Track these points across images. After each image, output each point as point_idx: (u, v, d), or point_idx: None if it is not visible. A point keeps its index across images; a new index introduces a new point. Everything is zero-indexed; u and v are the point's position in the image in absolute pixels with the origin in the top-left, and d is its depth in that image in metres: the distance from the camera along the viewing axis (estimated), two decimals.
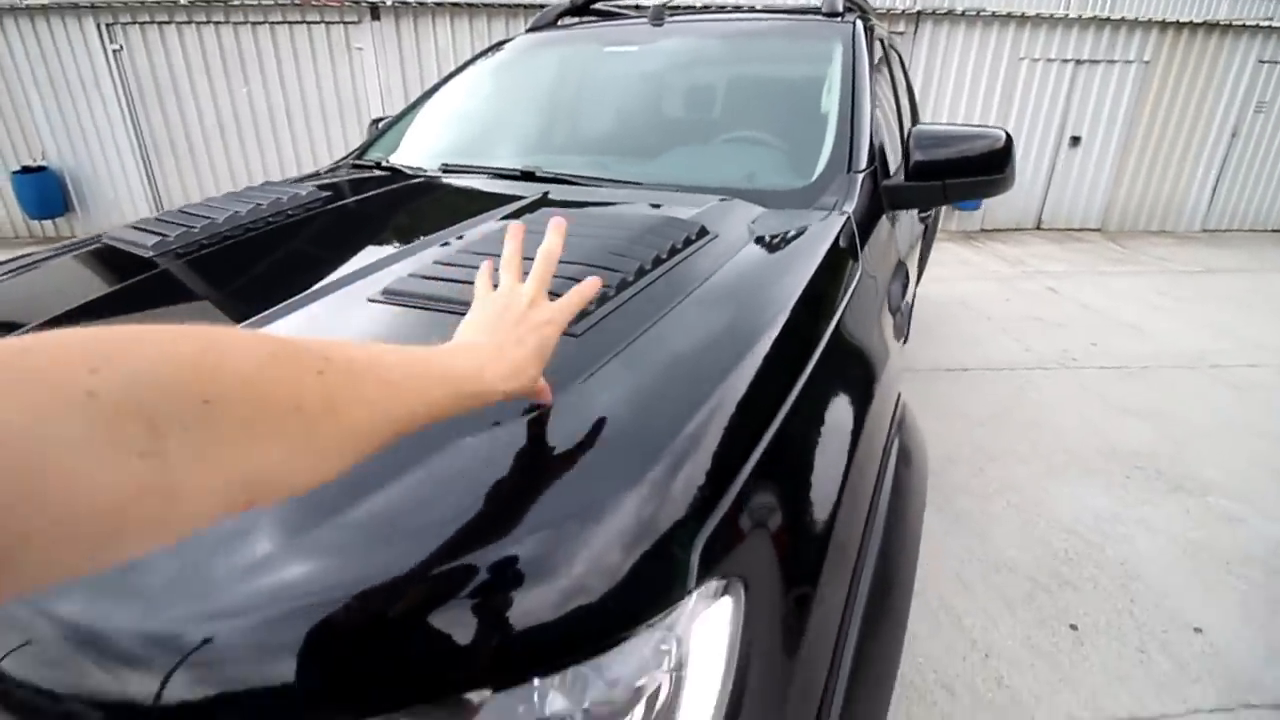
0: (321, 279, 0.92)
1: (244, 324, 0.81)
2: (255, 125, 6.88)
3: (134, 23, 6.54)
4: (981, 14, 6.96)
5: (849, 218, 1.19)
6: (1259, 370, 3.81)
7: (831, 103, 1.49)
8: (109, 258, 1.08)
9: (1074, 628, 1.92)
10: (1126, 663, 1.79)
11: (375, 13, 6.46)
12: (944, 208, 7.55)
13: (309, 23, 6.55)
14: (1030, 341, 4.21)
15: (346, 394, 0.36)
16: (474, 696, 0.47)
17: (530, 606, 0.48)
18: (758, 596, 0.60)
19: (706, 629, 0.55)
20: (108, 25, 6.54)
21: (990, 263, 6.37)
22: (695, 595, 0.55)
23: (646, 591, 0.52)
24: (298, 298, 0.85)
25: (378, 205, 1.33)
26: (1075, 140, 7.57)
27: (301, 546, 0.50)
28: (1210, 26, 7.21)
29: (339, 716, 0.45)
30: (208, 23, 6.54)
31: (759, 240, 1.05)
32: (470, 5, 6.48)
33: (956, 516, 2.42)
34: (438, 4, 6.45)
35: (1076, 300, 5.14)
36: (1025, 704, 1.66)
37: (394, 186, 1.43)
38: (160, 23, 6.54)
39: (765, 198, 1.28)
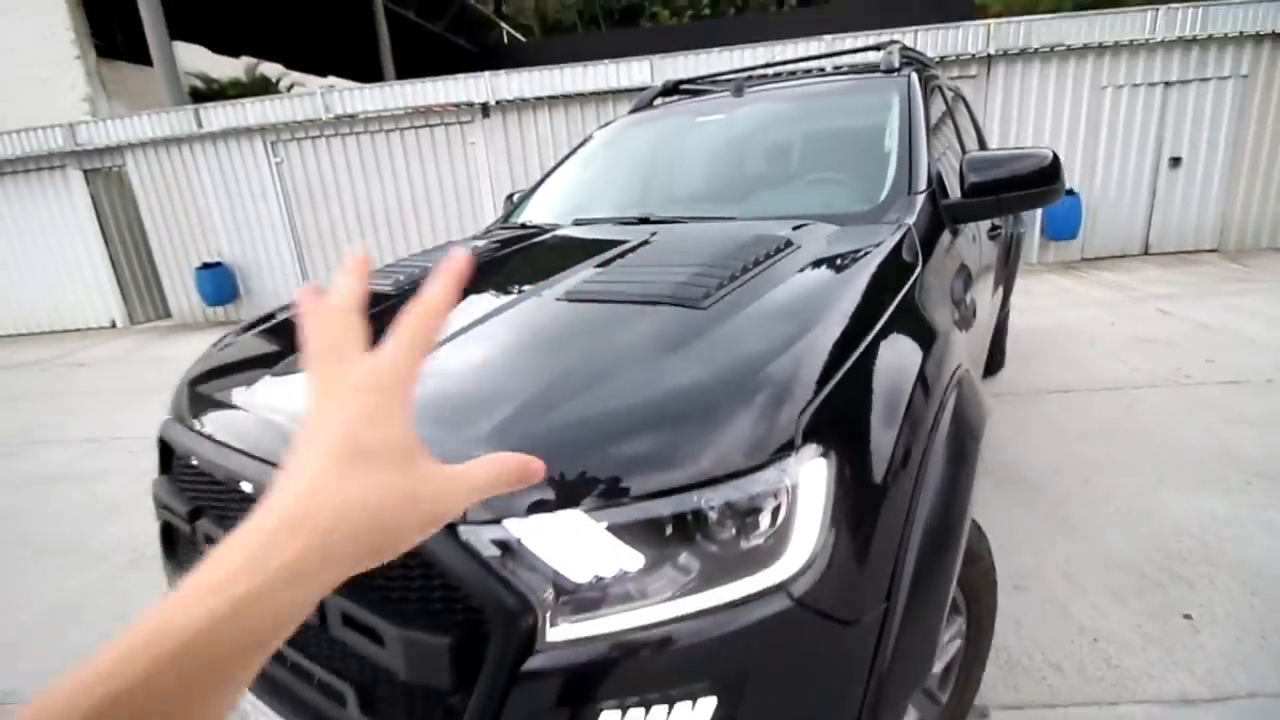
0: (517, 292, 1.30)
1: (471, 323, 1.19)
2: (387, 217, 7.95)
3: (292, 139, 7.85)
4: (1056, 49, 7.03)
5: (909, 228, 1.46)
6: None
7: (892, 141, 1.79)
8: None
9: (1188, 617, 1.94)
10: (1241, 645, 1.81)
11: (486, 111, 7.43)
12: (1037, 238, 7.44)
13: (430, 126, 7.61)
14: (1138, 362, 4.11)
15: None
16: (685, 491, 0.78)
17: (708, 436, 0.79)
18: (843, 464, 0.87)
19: (809, 476, 0.84)
20: (272, 143, 7.88)
21: (1093, 290, 6.20)
22: (802, 451, 0.83)
23: (770, 441, 0.81)
24: (504, 302, 1.23)
25: (538, 248, 1.75)
26: (1176, 161, 7.31)
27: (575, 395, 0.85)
28: None
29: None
30: (350, 134, 7.74)
31: (835, 244, 1.35)
32: (565, 97, 7.32)
33: (1062, 524, 2.47)
34: (538, 99, 7.34)
35: (1190, 320, 4.93)
36: (1135, 679, 1.72)
37: (544, 237, 1.86)
38: (313, 137, 7.81)
39: (840, 219, 1.58)
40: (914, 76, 2.04)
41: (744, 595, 0.79)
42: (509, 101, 7.42)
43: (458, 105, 7.45)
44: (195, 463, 1.11)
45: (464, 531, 0.78)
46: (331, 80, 21.29)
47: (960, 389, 1.19)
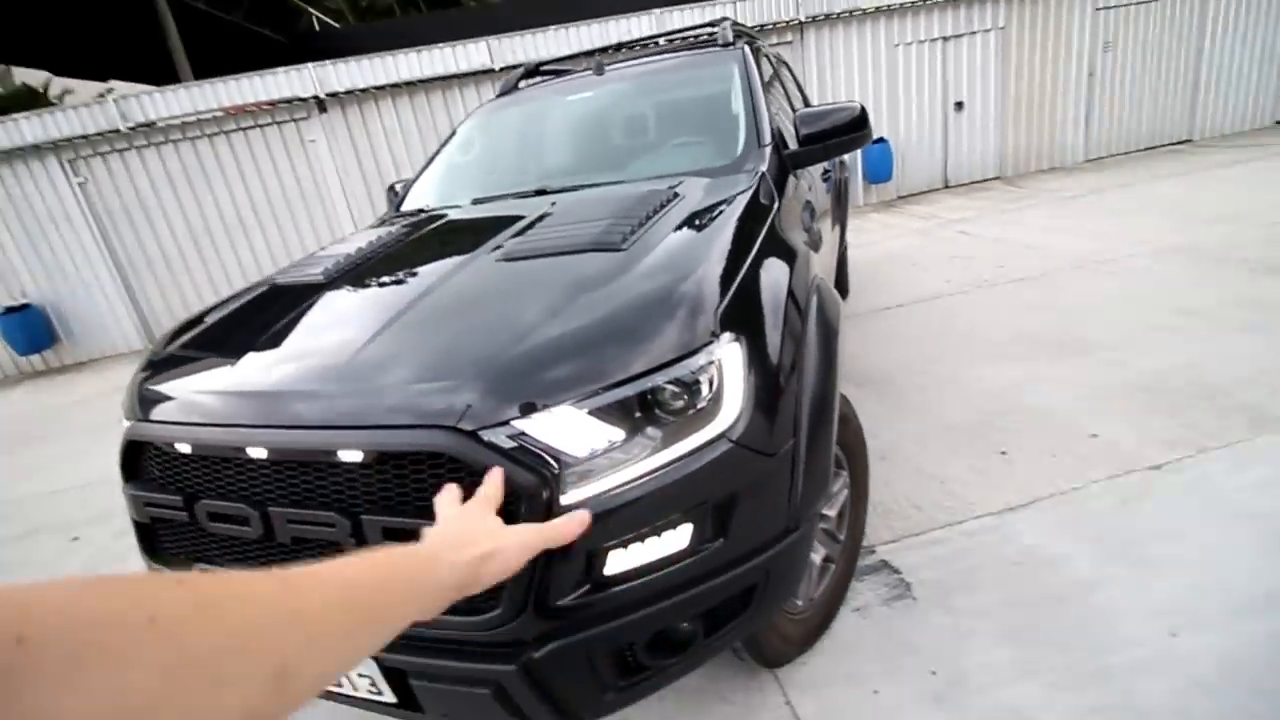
0: (451, 261, 1.49)
1: (406, 299, 1.37)
2: (226, 229, 7.34)
3: (95, 155, 6.99)
4: (854, 13, 7.92)
5: (764, 174, 1.81)
6: (1136, 259, 4.59)
7: (739, 105, 2.14)
8: (295, 288, 1.62)
9: (1003, 453, 2.54)
10: (1042, 464, 2.41)
11: (323, 106, 7.06)
12: (861, 183, 8.40)
13: (261, 126, 7.10)
14: (950, 275, 4.93)
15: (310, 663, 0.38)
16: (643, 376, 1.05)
17: (653, 335, 1.06)
18: (751, 348, 1.18)
19: (729, 355, 1.14)
20: (70, 161, 6.98)
21: (909, 221, 7.18)
22: (721, 338, 1.13)
23: (697, 331, 1.10)
24: (451, 267, 1.42)
25: (450, 227, 1.91)
26: (959, 105, 8.54)
27: (539, 329, 1.08)
28: None
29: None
30: (166, 143, 7.03)
31: (710, 193, 1.67)
32: (408, 85, 7.13)
33: (910, 406, 3.03)
34: (378, 88, 7.09)
35: (984, 237, 5.93)
36: (973, 503, 2.26)
37: (451, 217, 2.02)
38: (120, 150, 7.01)
39: (709, 173, 1.91)
40: (746, 49, 2.41)
41: (698, 445, 1.08)
42: (346, 94, 7.10)
43: (289, 102, 7.00)
44: (185, 450, 1.21)
45: (484, 434, 1.00)
46: (114, 84, 18.65)
47: (820, 291, 1.55)
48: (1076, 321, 3.65)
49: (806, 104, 3.64)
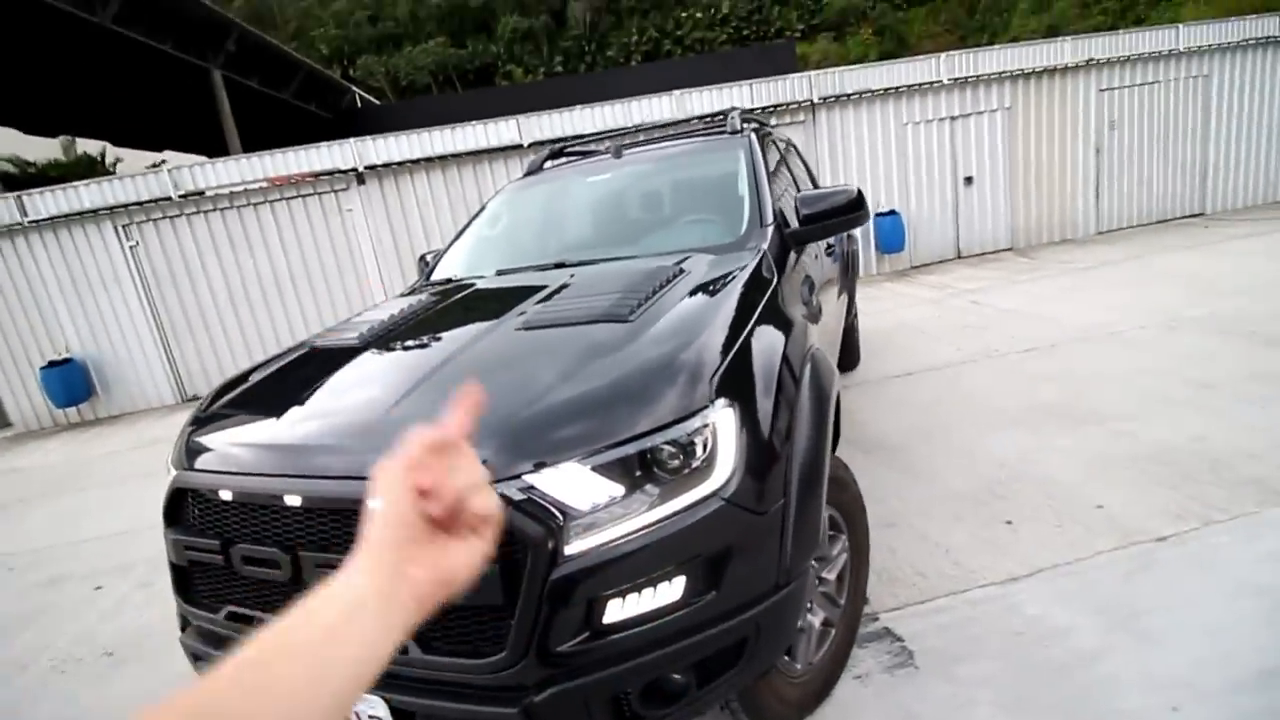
0: (475, 328, 1.64)
1: (433, 363, 1.50)
2: (263, 292, 7.71)
3: (148, 220, 7.48)
4: (864, 94, 8.34)
5: (765, 252, 1.96)
6: (1146, 330, 4.64)
7: (744, 188, 2.32)
8: (333, 351, 1.77)
9: (1009, 523, 2.56)
10: (1047, 534, 2.43)
11: (360, 178, 7.53)
12: (874, 254, 8.61)
13: (303, 196, 7.57)
14: (960, 344, 5.01)
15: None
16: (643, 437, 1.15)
17: (653, 400, 1.17)
18: (744, 413, 1.29)
19: (723, 419, 1.24)
20: (124, 226, 7.46)
21: (921, 291, 7.32)
22: (716, 403, 1.24)
23: (694, 397, 1.22)
24: (475, 334, 1.56)
25: (476, 295, 2.08)
26: (969, 180, 8.83)
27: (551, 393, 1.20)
28: (1052, 71, 8.71)
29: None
30: (215, 210, 7.51)
31: (714, 269, 1.82)
32: (441, 159, 7.60)
33: (918, 473, 3.07)
34: (413, 162, 7.56)
35: (996, 307, 6.03)
36: (977, 572, 2.28)
37: (477, 287, 2.19)
38: (171, 217, 7.49)
39: (714, 250, 2.06)
40: (753, 135, 2.62)
41: (692, 502, 1.17)
42: (384, 166, 7.57)
43: (330, 174, 7.49)
44: (227, 496, 1.33)
45: (498, 487, 1.11)
46: (167, 155, 19.97)
47: (814, 359, 1.66)
48: (1085, 392, 3.69)
49: (813, 183, 3.85)
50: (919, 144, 8.60)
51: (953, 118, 8.62)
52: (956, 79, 8.49)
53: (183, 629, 1.53)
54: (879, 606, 2.17)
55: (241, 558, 1.31)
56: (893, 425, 3.65)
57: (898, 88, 8.41)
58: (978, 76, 8.54)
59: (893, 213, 8.52)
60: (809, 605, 1.72)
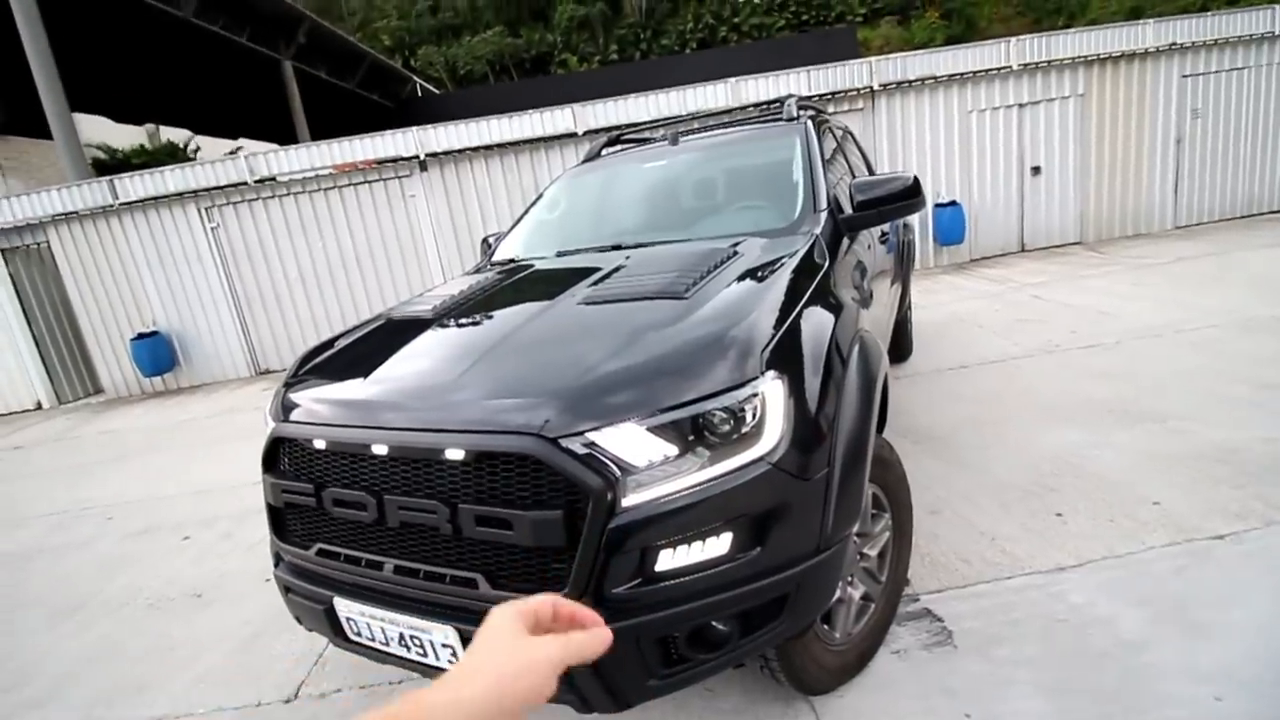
0: (539, 303, 1.75)
1: (501, 333, 1.62)
2: (331, 273, 8.12)
3: (228, 204, 7.96)
4: (928, 80, 8.12)
5: (818, 237, 2.01)
6: (1215, 330, 4.44)
7: (799, 174, 2.37)
8: (410, 321, 1.92)
9: (1059, 515, 2.54)
10: (1098, 527, 2.40)
11: (424, 165, 7.81)
12: (932, 245, 8.41)
13: (370, 182, 7.91)
14: (1018, 338, 4.90)
15: None
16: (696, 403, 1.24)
17: (707, 369, 1.26)
18: (793, 386, 1.36)
19: (772, 389, 1.32)
20: (206, 208, 7.96)
21: (980, 284, 7.13)
22: (766, 375, 1.32)
23: (745, 368, 1.30)
24: (540, 309, 1.68)
25: (537, 275, 2.20)
26: (1036, 170, 8.50)
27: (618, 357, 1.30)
28: (1131, 56, 8.28)
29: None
30: (289, 195, 7.93)
31: (767, 252, 1.88)
32: (499, 146, 7.81)
33: (967, 464, 3.06)
34: (473, 149, 7.80)
35: (1058, 301, 5.84)
36: (1022, 560, 2.28)
37: (538, 266, 2.32)
38: (249, 200, 7.95)
39: (767, 234, 2.12)
40: (809, 122, 2.65)
41: (740, 464, 1.26)
42: (444, 154, 7.83)
43: (394, 161, 7.80)
44: (320, 445, 1.48)
45: (564, 442, 1.22)
46: (242, 142, 21.00)
47: (863, 342, 1.72)
48: (1147, 390, 3.58)
49: (870, 171, 3.83)
50: (984, 132, 8.33)
51: (1021, 105, 8.31)
52: (1027, 64, 8.17)
53: (276, 564, 1.71)
54: (920, 588, 2.20)
55: (333, 500, 1.47)
56: (943, 417, 3.63)
57: (963, 74, 8.16)
58: (1050, 62, 8.19)
59: (953, 203, 8.30)
60: (850, 579, 1.78)
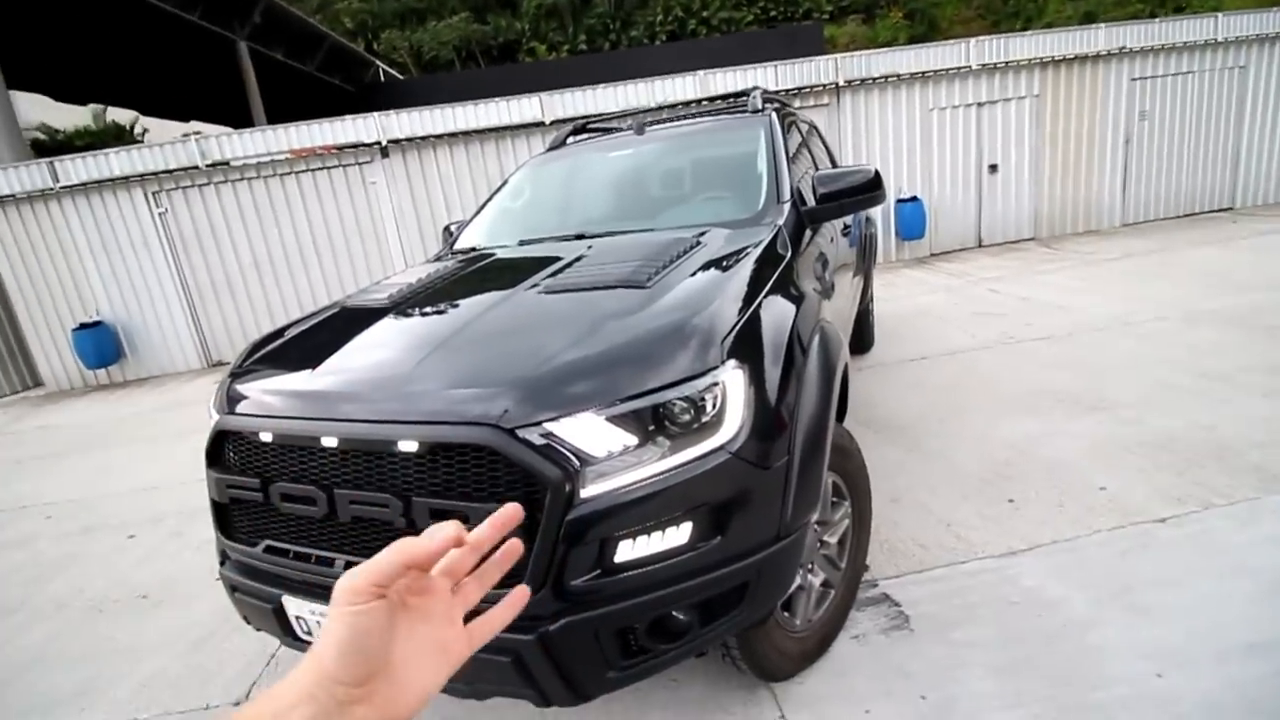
0: (499, 292, 1.71)
1: (459, 322, 1.58)
2: (287, 261, 7.86)
3: (177, 188, 7.63)
4: (890, 78, 8.24)
5: (780, 228, 2.02)
6: (1163, 322, 4.62)
7: (763, 165, 2.37)
8: (365, 310, 1.86)
9: (1011, 501, 2.61)
10: (1048, 513, 2.48)
11: (385, 151, 7.61)
12: (894, 240, 8.56)
13: (329, 168, 7.68)
14: (976, 330, 5.02)
15: None
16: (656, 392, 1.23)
17: (668, 359, 1.25)
18: (753, 375, 1.36)
19: (732, 378, 1.31)
20: (154, 193, 7.62)
21: (940, 278, 7.29)
22: (727, 364, 1.31)
23: (706, 358, 1.29)
24: (499, 298, 1.64)
25: (498, 264, 2.15)
26: (993, 168, 8.72)
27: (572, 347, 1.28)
28: (1083, 59, 8.54)
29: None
30: (242, 180, 7.64)
31: (730, 242, 1.87)
32: (464, 134, 7.66)
33: (926, 453, 3.12)
34: (436, 136, 7.63)
35: (1014, 295, 6.01)
36: (977, 545, 2.34)
37: (500, 255, 2.27)
38: (199, 185, 7.64)
39: (732, 225, 2.12)
40: (773, 115, 2.65)
41: (700, 454, 1.25)
42: (407, 140, 7.64)
43: (354, 146, 7.58)
44: (267, 438, 1.43)
45: (521, 433, 1.19)
46: (195, 125, 20.20)
47: (823, 332, 1.72)
48: (1097, 380, 3.70)
49: (834, 165, 3.86)
50: (944, 130, 8.50)
51: (980, 104, 8.50)
52: (986, 65, 8.36)
53: (221, 563, 1.65)
54: (879, 574, 2.24)
55: (280, 495, 1.41)
56: (904, 407, 3.70)
57: (925, 73, 8.30)
58: (1007, 63, 8.39)
59: (914, 199, 8.45)
60: (810, 566, 1.79)
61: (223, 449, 1.56)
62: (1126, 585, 2.02)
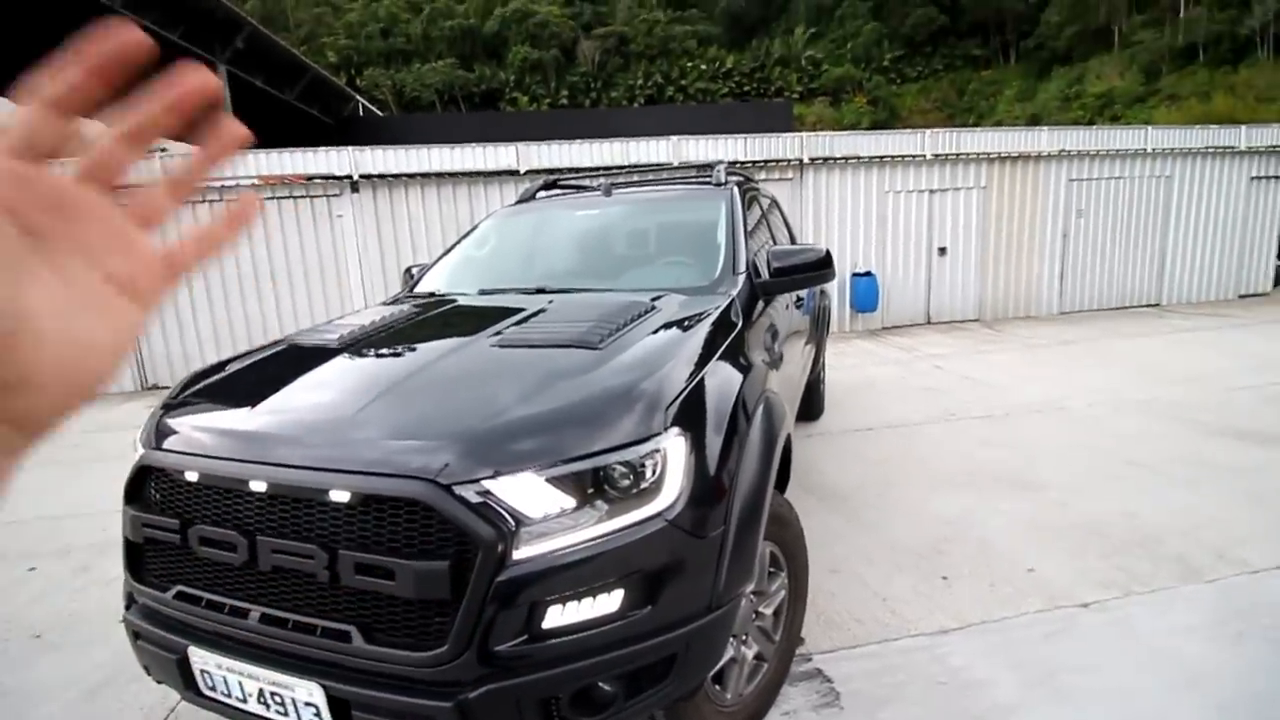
0: (453, 340, 1.72)
1: (408, 370, 1.58)
2: (241, 288, 7.66)
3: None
4: (851, 159, 8.73)
5: (734, 298, 2.09)
6: (1095, 407, 4.87)
7: (721, 236, 2.46)
8: (312, 350, 1.83)
9: (945, 578, 2.66)
10: (980, 591, 2.53)
11: (355, 186, 7.61)
12: (848, 312, 8.88)
13: (295, 197, 7.62)
14: (919, 405, 5.20)
15: None
16: (598, 455, 1.24)
17: (612, 422, 1.26)
18: (695, 443, 1.38)
19: (674, 446, 1.34)
20: None
21: (890, 351, 7.57)
22: (669, 431, 1.33)
23: (650, 423, 1.31)
24: (450, 346, 1.64)
25: (456, 311, 2.16)
26: (943, 250, 9.22)
27: (511, 408, 1.28)
28: (1027, 157, 9.22)
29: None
30: (202, 201, 7.50)
31: (685, 308, 1.93)
32: (438, 175, 7.73)
33: (864, 524, 3.17)
34: (409, 175, 7.68)
35: (957, 373, 6.26)
36: (910, 621, 2.37)
37: (458, 303, 2.28)
38: None
39: (687, 291, 2.18)
40: (735, 189, 2.78)
41: (637, 520, 1.25)
42: (379, 177, 7.67)
43: (324, 178, 7.56)
44: (193, 478, 1.37)
45: (457, 489, 1.18)
46: (163, 142, 19.86)
47: (768, 402, 1.77)
48: (1030, 461, 3.86)
49: (792, 240, 4.04)
50: (899, 212, 8.99)
51: (932, 191, 9.04)
52: (939, 155, 8.93)
53: (127, 607, 1.55)
54: (814, 647, 2.24)
55: (199, 539, 1.35)
56: (848, 476, 3.77)
57: (883, 157, 8.81)
58: (958, 154, 9.00)
59: (869, 274, 8.83)
60: (744, 638, 1.79)
61: (144, 485, 1.49)
62: (1051, 669, 2.06)
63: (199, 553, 1.35)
